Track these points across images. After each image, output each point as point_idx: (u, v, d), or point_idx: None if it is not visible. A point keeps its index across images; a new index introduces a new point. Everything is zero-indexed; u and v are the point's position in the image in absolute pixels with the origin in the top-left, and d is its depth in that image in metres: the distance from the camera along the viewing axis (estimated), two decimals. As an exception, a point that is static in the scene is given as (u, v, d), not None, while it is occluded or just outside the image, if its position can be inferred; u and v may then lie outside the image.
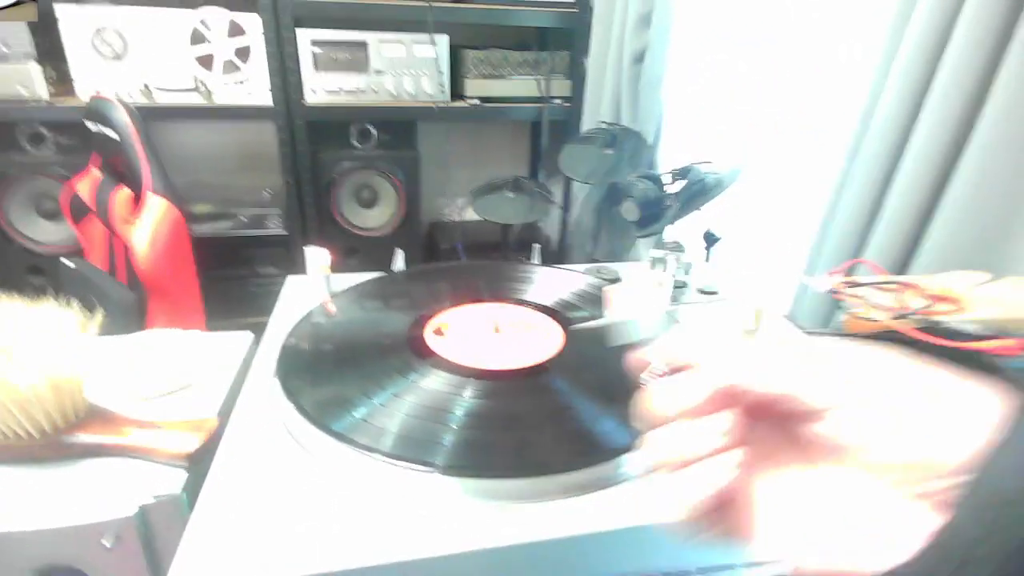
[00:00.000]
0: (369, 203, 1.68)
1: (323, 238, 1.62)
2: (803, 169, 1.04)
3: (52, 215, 1.46)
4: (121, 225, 1.25)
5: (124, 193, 1.23)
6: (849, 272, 0.67)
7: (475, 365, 0.44)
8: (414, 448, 0.35)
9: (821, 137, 0.98)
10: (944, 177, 0.72)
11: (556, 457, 0.35)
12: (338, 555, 0.29)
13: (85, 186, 1.31)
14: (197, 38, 1.38)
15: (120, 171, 1.26)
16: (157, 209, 1.20)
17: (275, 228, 1.62)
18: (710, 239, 1.11)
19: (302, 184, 1.58)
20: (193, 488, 0.37)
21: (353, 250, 1.69)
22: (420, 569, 0.30)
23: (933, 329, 0.45)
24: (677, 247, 0.56)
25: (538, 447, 0.37)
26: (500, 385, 0.42)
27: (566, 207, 1.75)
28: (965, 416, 0.20)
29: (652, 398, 0.25)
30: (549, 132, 1.72)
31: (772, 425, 0.23)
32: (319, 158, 1.58)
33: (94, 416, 0.39)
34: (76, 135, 1.40)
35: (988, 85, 0.66)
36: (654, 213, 1.15)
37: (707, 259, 1.11)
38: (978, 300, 0.56)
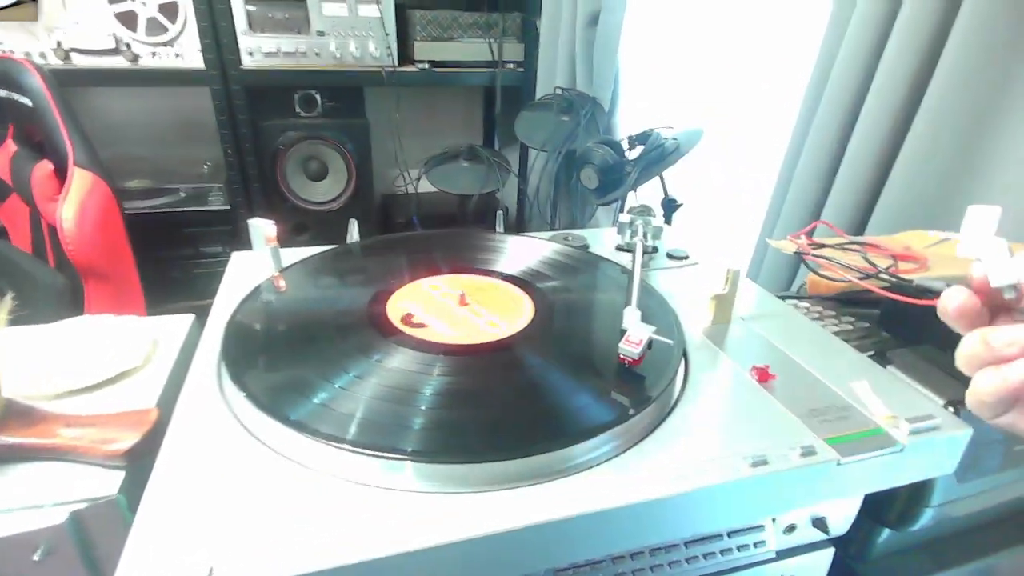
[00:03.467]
0: (317, 175, 1.60)
1: (270, 213, 1.54)
2: (760, 132, 1.04)
3: (-36, 194, 1.33)
4: (45, 203, 1.15)
5: (45, 167, 1.13)
6: (810, 234, 0.67)
7: (442, 340, 0.41)
8: (382, 435, 0.33)
9: (778, 100, 0.98)
10: (897, 139, 0.73)
11: (537, 437, 0.33)
12: (299, 557, 0.27)
13: (1, 161, 1.19)
14: (117, -6, 1.26)
15: (38, 142, 1.15)
16: (82, 184, 1.11)
17: (217, 203, 1.53)
18: (670, 205, 1.11)
19: (244, 155, 1.49)
20: (132, 489, 0.33)
21: (303, 226, 1.62)
22: (394, 567, 0.27)
23: (901, 287, 0.45)
24: (646, 211, 0.54)
25: (516, 427, 0.35)
26: (471, 361, 0.40)
27: (523, 175, 1.72)
28: None
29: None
30: (503, 98, 1.67)
31: None
32: (261, 127, 1.49)
33: (12, 415, 0.34)
34: (-16, 104, 1.27)
35: (940, 46, 0.67)
36: (614, 179, 1.14)
37: (668, 225, 1.11)
38: (937, 258, 0.57)
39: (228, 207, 1.53)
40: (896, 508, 0.43)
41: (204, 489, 0.30)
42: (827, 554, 0.44)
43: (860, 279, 0.51)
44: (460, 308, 0.45)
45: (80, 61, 1.29)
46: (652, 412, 0.36)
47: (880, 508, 0.43)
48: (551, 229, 0.81)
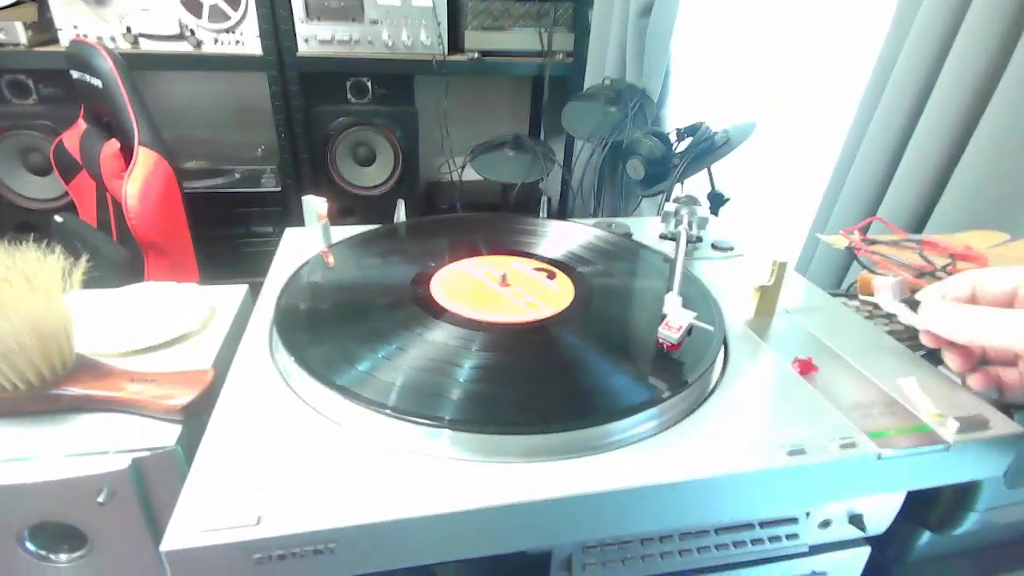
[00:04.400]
0: (366, 161, 1.63)
1: (318, 196, 1.59)
2: (815, 126, 1.01)
3: (41, 170, 1.42)
4: (111, 180, 1.21)
5: (113, 145, 1.19)
6: (865, 230, 0.65)
7: (483, 318, 0.42)
8: (420, 403, 0.34)
9: (835, 92, 0.95)
10: (964, 135, 0.69)
11: (573, 412, 0.34)
12: (338, 512, 0.28)
13: (71, 139, 1.26)
14: (183, -19, 1.31)
15: (107, 122, 1.22)
16: (147, 162, 1.16)
17: (269, 185, 1.58)
18: (717, 199, 1.09)
19: (296, 140, 1.53)
20: (188, 441, 0.35)
21: (349, 210, 1.66)
22: (426, 527, 0.28)
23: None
24: (691, 200, 0.53)
25: (553, 402, 0.35)
26: (511, 338, 0.41)
27: (568, 166, 1.71)
28: None
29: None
30: (551, 88, 1.67)
31: None
32: (313, 112, 1.53)
33: (84, 368, 0.37)
34: (61, 85, 1.35)
35: (1012, 41, 0.63)
36: (660, 171, 1.12)
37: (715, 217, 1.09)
38: (999, 259, 0.54)
39: (279, 189, 1.58)
40: (939, 510, 0.41)
41: (253, 445, 0.32)
42: (863, 552, 0.43)
43: (915, 277, 0.49)
44: (502, 288, 0.45)
45: (147, 46, 1.36)
46: (689, 396, 0.36)
47: (922, 509, 0.42)
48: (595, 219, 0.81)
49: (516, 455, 0.32)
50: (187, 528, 0.27)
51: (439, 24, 1.50)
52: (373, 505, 0.28)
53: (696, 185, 1.11)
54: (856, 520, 0.41)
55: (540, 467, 0.31)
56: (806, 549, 0.42)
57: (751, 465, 0.32)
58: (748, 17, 1.16)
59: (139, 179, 1.16)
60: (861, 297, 0.60)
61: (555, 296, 0.45)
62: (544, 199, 0.58)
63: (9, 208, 1.42)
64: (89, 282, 0.40)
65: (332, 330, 0.41)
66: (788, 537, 0.41)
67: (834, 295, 0.53)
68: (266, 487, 0.29)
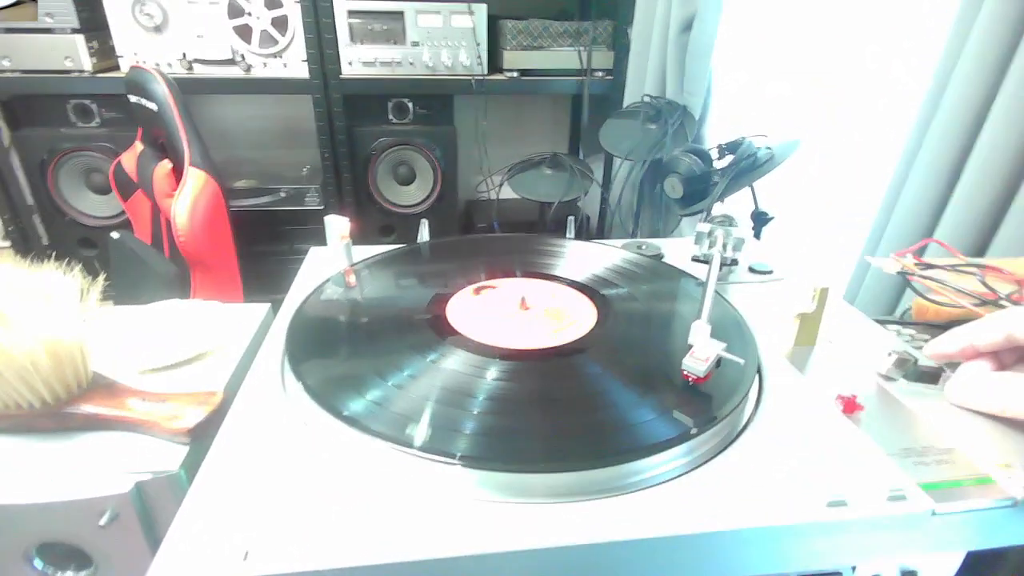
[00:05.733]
0: (406, 180, 1.65)
1: (360, 215, 1.61)
2: (865, 143, 0.96)
3: (101, 189, 1.49)
4: (162, 198, 1.26)
5: (165, 166, 1.24)
6: (919, 253, 0.60)
7: (500, 344, 0.40)
8: (432, 436, 0.32)
9: (887, 108, 0.90)
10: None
11: (591, 450, 0.31)
12: (338, 551, 0.26)
13: (129, 159, 1.32)
14: (235, 9, 1.37)
15: (161, 144, 1.27)
16: (196, 182, 1.21)
17: (312, 204, 1.62)
18: (760, 219, 1.04)
19: (339, 159, 1.57)
20: (193, 465, 0.34)
21: (389, 228, 1.68)
22: (428, 570, 0.27)
23: (1027, 317, 0.39)
24: (727, 221, 0.50)
25: (570, 438, 0.33)
26: (528, 366, 0.39)
27: (606, 185, 1.69)
28: None
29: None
30: (590, 106, 1.65)
31: None
32: (356, 133, 1.56)
33: (99, 387, 0.37)
34: (121, 108, 1.42)
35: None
36: (700, 190, 1.09)
37: (757, 239, 1.04)
38: (1075, 286, 0.49)
39: (322, 207, 1.61)
40: (1005, 571, 0.37)
41: (253, 474, 0.30)
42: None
43: (975, 306, 0.45)
44: (521, 311, 0.44)
45: (201, 71, 1.41)
46: (718, 434, 0.33)
47: (985, 568, 0.37)
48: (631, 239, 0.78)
49: (530, 495, 0.30)
50: (173, 563, 0.26)
51: (478, 45, 1.51)
52: (369, 546, 0.27)
53: (739, 204, 1.07)
54: (910, 577, 0.37)
55: (556, 509, 0.29)
56: (851, 607, 0.38)
57: (786, 517, 0.28)
58: (792, 31, 1.12)
59: (188, 198, 1.20)
60: (915, 324, 0.55)
61: (577, 321, 0.43)
62: (570, 218, 0.56)
63: (72, 225, 1.49)
64: (139, 297, 0.40)
65: (343, 356, 0.40)
66: (831, 593, 0.37)
67: (882, 322, 0.49)
68: (259, 521, 0.28)
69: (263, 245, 1.60)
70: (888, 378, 0.37)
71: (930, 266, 0.52)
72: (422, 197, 1.67)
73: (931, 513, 0.29)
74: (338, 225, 0.51)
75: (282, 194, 1.64)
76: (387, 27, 1.48)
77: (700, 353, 0.34)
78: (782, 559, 0.31)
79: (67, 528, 0.33)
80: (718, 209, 1.04)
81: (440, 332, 0.42)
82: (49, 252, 1.51)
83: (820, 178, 1.06)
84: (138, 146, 1.31)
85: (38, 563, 0.35)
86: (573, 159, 1.55)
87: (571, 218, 0.56)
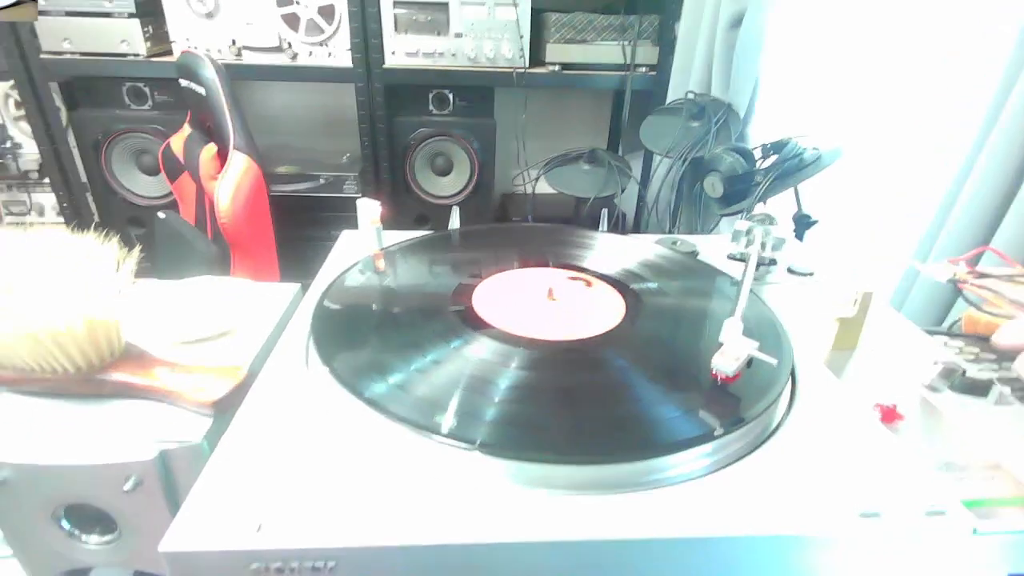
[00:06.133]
0: (443, 171, 1.66)
1: (396, 204, 1.63)
2: (921, 148, 0.91)
3: (150, 170, 1.54)
4: (207, 181, 1.29)
5: (211, 149, 1.27)
6: (974, 262, 0.57)
7: (525, 334, 0.40)
8: (452, 422, 0.32)
9: (948, 110, 0.85)
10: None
11: (613, 444, 0.31)
12: (343, 531, 0.26)
13: (178, 142, 1.36)
14: (284, -3, 1.39)
15: (208, 127, 1.31)
16: (239, 166, 1.23)
17: (351, 191, 1.64)
18: (803, 222, 1.00)
19: (378, 148, 1.58)
20: (216, 437, 0.35)
21: (424, 217, 1.68)
22: (438, 555, 0.26)
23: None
24: (766, 219, 0.49)
25: (592, 431, 0.32)
26: (552, 357, 0.38)
27: (644, 182, 1.66)
28: None
29: None
30: (632, 103, 1.62)
31: None
32: (396, 123, 1.57)
33: (130, 357, 0.38)
34: (172, 92, 1.46)
35: None
36: (741, 190, 1.06)
37: (800, 242, 1.01)
38: None
39: (360, 195, 1.63)
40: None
41: (271, 450, 0.31)
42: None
43: (1034, 317, 0.42)
44: (548, 302, 0.43)
45: (249, 57, 1.44)
46: (746, 435, 0.32)
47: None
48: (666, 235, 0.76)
49: (553, 486, 0.29)
50: (188, 530, 0.26)
51: (521, 37, 1.50)
52: (382, 528, 0.27)
53: (781, 206, 1.03)
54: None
55: (575, 501, 0.28)
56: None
57: (815, 527, 0.27)
58: (846, 26, 1.07)
59: (231, 181, 1.23)
60: (964, 337, 0.52)
61: (605, 313, 0.42)
62: (604, 211, 0.55)
63: (122, 204, 1.55)
64: (182, 275, 0.41)
65: (367, 339, 0.40)
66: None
67: (931, 333, 0.46)
68: (274, 495, 0.28)
69: (301, 230, 1.63)
70: (933, 389, 0.35)
71: (984, 275, 0.49)
72: (458, 188, 1.67)
73: (972, 532, 0.27)
74: (369, 209, 0.51)
75: (321, 181, 1.66)
76: (431, 18, 1.48)
77: (731, 351, 0.32)
78: (807, 571, 0.30)
79: (93, 491, 0.34)
80: (759, 210, 1.01)
81: (466, 320, 0.41)
82: (100, 229, 1.57)
83: (871, 182, 1.02)
84: (186, 129, 1.35)
85: (65, 524, 0.36)
86: (611, 155, 1.53)
87: (604, 210, 0.55)
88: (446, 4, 1.46)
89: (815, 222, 0.98)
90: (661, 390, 0.36)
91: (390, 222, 0.52)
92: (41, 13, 1.32)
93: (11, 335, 0.34)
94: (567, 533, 0.27)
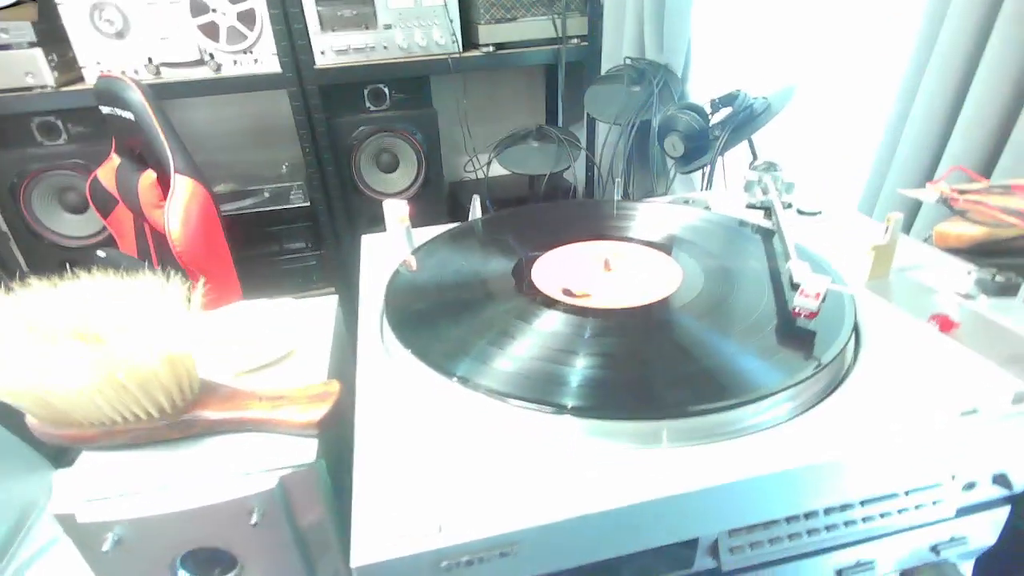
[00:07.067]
0: (390, 167, 1.63)
1: (346, 207, 1.58)
2: (859, 83, 0.98)
3: (78, 208, 1.43)
4: (151, 210, 1.21)
5: (149, 176, 1.20)
6: (951, 180, 0.62)
7: (597, 305, 0.41)
8: (543, 391, 0.33)
9: (879, 46, 0.92)
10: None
11: (696, 398, 0.33)
12: (519, 514, 0.27)
13: (106, 173, 1.27)
14: (199, 7, 1.31)
15: (139, 154, 1.22)
16: (185, 189, 1.17)
17: (298, 201, 1.58)
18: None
19: (320, 153, 1.53)
20: (326, 454, 0.35)
21: (378, 217, 1.65)
22: (603, 522, 0.28)
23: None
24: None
25: (681, 387, 0.34)
26: (627, 322, 0.40)
27: (591, 151, 1.70)
28: None
29: None
30: (567, 75, 1.65)
31: None
32: (335, 124, 1.52)
33: (209, 392, 0.37)
34: (89, 122, 1.36)
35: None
36: (699, 146, 1.10)
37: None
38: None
39: (308, 203, 1.58)
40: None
41: (408, 453, 0.31)
42: (1002, 513, 0.42)
43: (1025, 220, 0.47)
44: (606, 273, 0.44)
45: (169, 74, 1.36)
46: (830, 371, 0.35)
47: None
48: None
49: (650, 441, 0.31)
50: (373, 543, 0.26)
51: (452, 22, 1.49)
52: (547, 504, 0.28)
53: (738, 156, 1.09)
54: (1001, 479, 0.40)
55: (679, 453, 0.30)
56: (952, 514, 0.40)
57: (918, 435, 0.30)
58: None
59: (179, 207, 1.16)
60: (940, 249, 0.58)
61: (663, 278, 0.44)
62: (618, 181, 0.57)
63: (50, 248, 1.43)
64: None
65: (446, 326, 0.40)
66: (935, 503, 0.39)
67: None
68: (438, 494, 0.28)
69: (253, 248, 1.57)
70: (968, 296, 0.40)
71: (965, 192, 0.55)
72: (408, 182, 1.65)
73: (1054, 407, 0.31)
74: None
75: (266, 195, 1.60)
76: (357, 12, 1.44)
77: (810, 289, 0.35)
78: (905, 474, 0.33)
79: (216, 531, 0.33)
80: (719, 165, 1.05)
81: (535, 297, 0.42)
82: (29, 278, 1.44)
83: (816, 122, 1.09)
84: (115, 158, 1.26)
85: (183, 573, 0.34)
86: (559, 129, 1.55)
87: (618, 180, 0.57)
88: (371, -4, 1.42)
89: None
90: (738, 341, 0.38)
91: (347, 229, 0.51)
92: (-74, 52, 1.19)
93: (93, 386, 0.32)
94: (702, 481, 0.29)
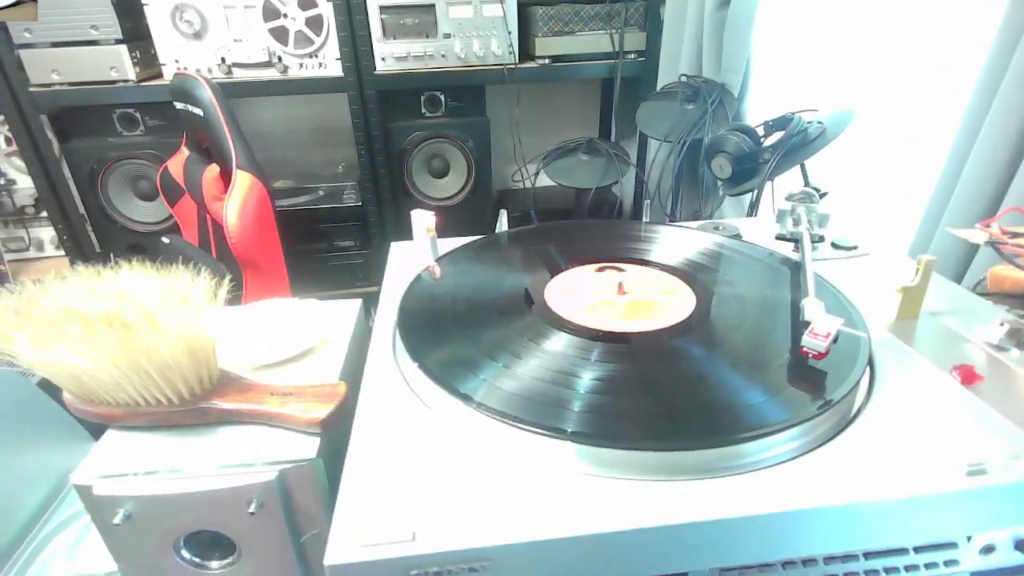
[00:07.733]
0: (440, 172, 1.66)
1: (396, 209, 1.63)
2: (921, 115, 0.94)
3: (148, 195, 1.53)
4: (212, 202, 1.28)
5: (213, 170, 1.27)
6: (1005, 222, 0.59)
7: (604, 327, 0.41)
8: (543, 414, 0.33)
9: (944, 80, 0.88)
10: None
11: (708, 430, 0.32)
12: (493, 530, 0.28)
13: (176, 165, 1.35)
14: (271, 12, 1.38)
15: (207, 148, 1.30)
16: (244, 184, 1.23)
17: (350, 201, 1.64)
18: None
19: (375, 155, 1.58)
20: (326, 452, 0.36)
21: (426, 220, 1.69)
22: (579, 547, 0.28)
23: None
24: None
25: (683, 418, 0.34)
26: (633, 348, 0.39)
27: (641, 168, 1.68)
28: None
29: None
30: (622, 89, 1.64)
31: None
32: (390, 128, 1.57)
33: (227, 383, 0.39)
34: (165, 116, 1.45)
35: None
36: (748, 169, 1.08)
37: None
38: None
39: (359, 204, 1.63)
40: None
41: (398, 460, 0.32)
42: (1028, 581, 0.39)
43: (1077, 272, 0.44)
44: (619, 296, 0.44)
45: (240, 74, 1.44)
46: (837, 412, 0.34)
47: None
48: (671, 222, 0.77)
49: (648, 472, 0.31)
50: (348, 543, 0.27)
51: (510, 33, 1.51)
52: (526, 523, 0.28)
53: (788, 182, 1.05)
54: (1022, 546, 0.37)
55: (676, 486, 0.30)
56: None
57: (924, 487, 0.29)
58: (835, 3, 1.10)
59: (238, 200, 1.22)
60: (991, 295, 0.55)
61: (676, 305, 0.43)
62: (647, 202, 0.56)
63: (121, 231, 1.53)
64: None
65: (453, 340, 0.41)
66: (946, 563, 0.37)
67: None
68: (418, 503, 0.29)
69: (304, 243, 1.63)
70: (1000, 348, 0.37)
71: (1017, 234, 0.52)
72: (456, 188, 1.68)
73: (1072, 477, 0.29)
74: (424, 219, 0.52)
75: (320, 192, 1.66)
76: (419, 20, 1.48)
77: (820, 329, 0.34)
78: (908, 530, 0.32)
79: (217, 516, 0.35)
80: (767, 190, 1.03)
81: (545, 316, 0.43)
82: (102, 259, 1.55)
83: (873, 153, 1.05)
84: (184, 151, 1.34)
85: (186, 553, 0.37)
86: (609, 144, 1.55)
87: (647, 202, 0.57)
88: (432, 6, 1.46)
89: (824, 194, 1.00)
90: (745, 374, 0.37)
91: (394, 231, 0.53)
92: (27, 46, 1.30)
93: (118, 370, 0.35)
94: (692, 515, 0.28)
